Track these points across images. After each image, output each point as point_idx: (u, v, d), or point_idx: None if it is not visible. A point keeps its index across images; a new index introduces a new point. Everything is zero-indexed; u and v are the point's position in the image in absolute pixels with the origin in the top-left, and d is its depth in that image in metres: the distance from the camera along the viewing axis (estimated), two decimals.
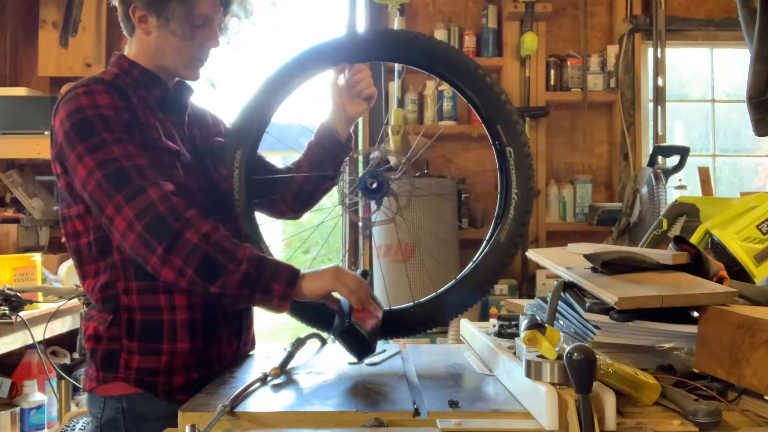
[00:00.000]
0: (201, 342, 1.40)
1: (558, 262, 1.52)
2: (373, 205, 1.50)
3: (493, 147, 1.47)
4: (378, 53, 1.47)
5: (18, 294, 2.22)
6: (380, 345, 1.43)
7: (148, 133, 1.37)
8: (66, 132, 1.31)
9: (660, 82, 3.55)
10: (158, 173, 1.30)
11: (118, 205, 1.25)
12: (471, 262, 1.48)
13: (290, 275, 1.28)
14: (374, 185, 1.47)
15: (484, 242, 1.48)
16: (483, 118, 1.46)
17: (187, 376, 1.39)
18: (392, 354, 1.47)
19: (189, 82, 1.53)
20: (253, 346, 1.58)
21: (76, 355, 2.69)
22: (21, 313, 2.21)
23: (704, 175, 3.20)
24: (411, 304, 1.48)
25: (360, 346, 1.31)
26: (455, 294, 1.46)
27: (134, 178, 1.26)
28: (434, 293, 1.48)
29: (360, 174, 1.48)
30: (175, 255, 1.24)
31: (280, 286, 1.27)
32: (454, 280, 1.48)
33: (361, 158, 3.52)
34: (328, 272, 1.30)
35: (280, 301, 1.28)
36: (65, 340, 2.77)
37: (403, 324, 1.47)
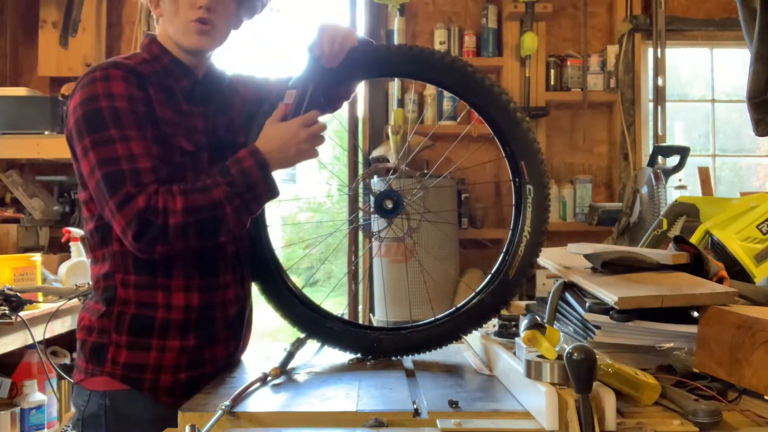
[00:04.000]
0: (193, 341, 1.38)
1: (558, 262, 1.53)
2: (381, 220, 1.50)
3: (512, 183, 1.44)
4: (407, 71, 1.45)
5: (18, 294, 2.22)
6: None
7: (164, 128, 1.35)
8: (77, 120, 1.30)
9: (660, 82, 3.55)
10: (157, 173, 1.29)
11: (112, 210, 1.27)
12: (474, 293, 1.45)
13: (263, 178, 1.33)
14: (390, 205, 1.47)
15: (490, 276, 1.45)
16: (507, 153, 1.44)
17: (175, 375, 1.37)
18: None
19: (219, 72, 1.51)
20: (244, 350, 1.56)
21: (76, 356, 2.69)
22: (21, 313, 2.21)
23: (704, 175, 3.20)
24: (409, 325, 1.46)
25: None
26: (453, 322, 1.44)
27: (128, 184, 1.25)
28: (432, 318, 1.46)
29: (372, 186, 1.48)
30: (173, 243, 1.27)
31: (261, 189, 1.33)
32: (454, 308, 1.46)
33: (361, 157, 3.54)
34: (284, 149, 1.36)
35: (272, 193, 1.36)
36: (65, 340, 2.77)
37: (397, 346, 1.45)
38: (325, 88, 1.43)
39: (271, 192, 1.35)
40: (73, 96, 1.33)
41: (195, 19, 1.38)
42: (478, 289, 1.44)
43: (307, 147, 1.38)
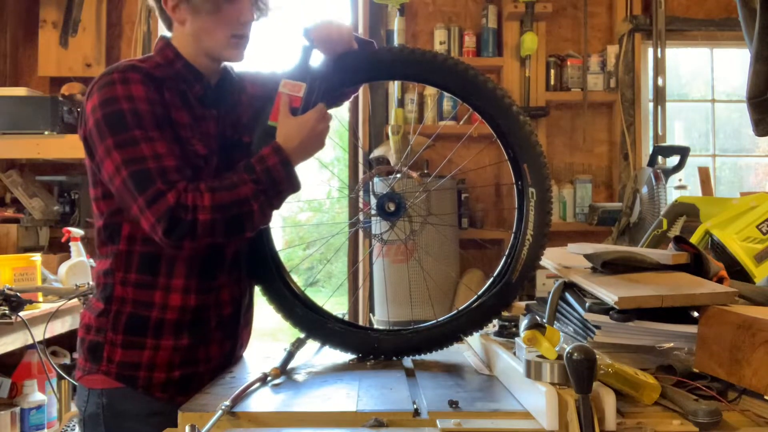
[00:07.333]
0: (187, 341, 1.40)
1: (558, 262, 1.53)
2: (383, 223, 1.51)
3: (514, 186, 1.44)
4: (408, 74, 1.45)
5: (18, 294, 2.22)
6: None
7: (179, 131, 1.36)
8: (97, 121, 1.31)
9: (660, 82, 3.54)
10: (183, 172, 1.30)
11: (141, 207, 1.28)
12: (476, 296, 1.45)
13: (287, 175, 1.36)
14: (392, 208, 1.49)
15: (492, 278, 1.45)
16: (509, 156, 1.44)
17: (169, 373, 1.39)
18: None
19: (230, 73, 1.52)
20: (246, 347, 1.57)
21: (76, 356, 2.70)
22: (21, 313, 2.21)
23: (704, 175, 3.20)
24: (410, 328, 1.46)
25: None
26: (455, 324, 1.44)
27: (157, 182, 1.27)
28: (434, 321, 1.46)
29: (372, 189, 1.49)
30: (200, 239, 1.29)
31: (285, 186, 1.36)
32: (456, 311, 1.45)
33: (362, 157, 3.53)
34: (305, 144, 1.38)
35: (295, 188, 1.39)
36: (65, 340, 2.77)
37: (397, 347, 1.45)
38: (328, 83, 1.44)
39: (294, 187, 1.38)
40: (90, 97, 1.34)
41: (236, 35, 1.40)
42: (480, 292, 1.44)
43: (323, 139, 1.42)
